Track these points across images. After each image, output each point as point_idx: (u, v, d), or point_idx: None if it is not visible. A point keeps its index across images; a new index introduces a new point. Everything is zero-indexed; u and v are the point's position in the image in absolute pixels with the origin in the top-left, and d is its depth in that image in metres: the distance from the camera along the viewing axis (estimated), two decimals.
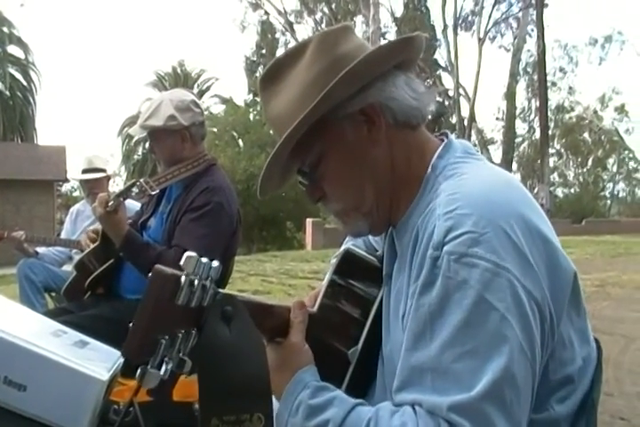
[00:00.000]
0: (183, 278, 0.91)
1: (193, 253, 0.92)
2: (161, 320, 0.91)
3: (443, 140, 1.18)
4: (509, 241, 0.95)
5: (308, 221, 18.82)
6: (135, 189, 2.47)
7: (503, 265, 0.93)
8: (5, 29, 31.42)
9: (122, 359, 1.27)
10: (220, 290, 0.98)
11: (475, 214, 0.97)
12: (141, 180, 2.52)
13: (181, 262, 0.91)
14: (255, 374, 0.98)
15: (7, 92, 31.27)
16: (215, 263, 0.95)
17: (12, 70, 31.94)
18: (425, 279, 0.98)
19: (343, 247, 1.40)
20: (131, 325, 0.92)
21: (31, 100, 33.19)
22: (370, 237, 1.44)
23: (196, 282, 0.92)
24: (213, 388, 0.94)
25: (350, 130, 1.13)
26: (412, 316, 0.99)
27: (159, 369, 0.90)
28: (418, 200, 1.12)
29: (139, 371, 0.89)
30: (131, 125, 34.95)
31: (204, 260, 0.93)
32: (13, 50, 32.17)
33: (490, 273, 0.93)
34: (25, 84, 33.01)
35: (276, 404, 1.09)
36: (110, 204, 2.42)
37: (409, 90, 1.14)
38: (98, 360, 1.19)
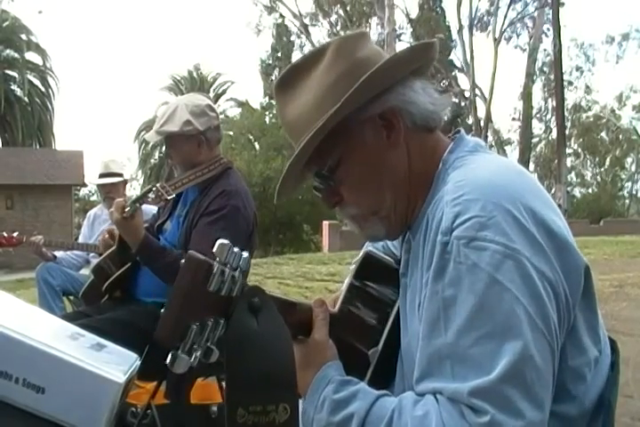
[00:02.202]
0: (215, 265, 0.92)
1: (226, 241, 0.94)
2: (193, 305, 0.92)
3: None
4: (517, 223, 0.96)
5: (325, 223, 18.82)
6: (151, 195, 2.48)
7: (513, 246, 0.94)
8: (24, 36, 31.71)
9: (138, 362, 1.28)
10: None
11: (482, 199, 0.97)
12: (157, 185, 2.53)
13: (214, 249, 0.93)
14: (281, 365, 0.99)
15: (26, 98, 31.53)
16: (245, 254, 0.97)
17: (30, 76, 32.18)
18: (436, 266, 0.98)
19: (363, 250, 1.41)
20: (162, 310, 0.94)
21: (49, 106, 33.44)
22: (388, 241, 1.45)
23: (226, 271, 0.93)
24: (240, 378, 0.95)
25: (370, 134, 1.14)
26: (426, 304, 0.99)
27: (189, 355, 0.91)
28: (431, 196, 1.12)
29: (169, 356, 0.91)
30: (147, 130, 35.13)
31: (236, 249, 0.95)
32: (32, 56, 32.47)
33: (500, 255, 0.93)
34: (43, 89, 33.27)
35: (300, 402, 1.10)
36: (127, 210, 2.43)
37: (425, 94, 1.16)
38: (114, 363, 1.20)
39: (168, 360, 0.91)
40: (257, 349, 0.96)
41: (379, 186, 1.15)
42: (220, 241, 0.94)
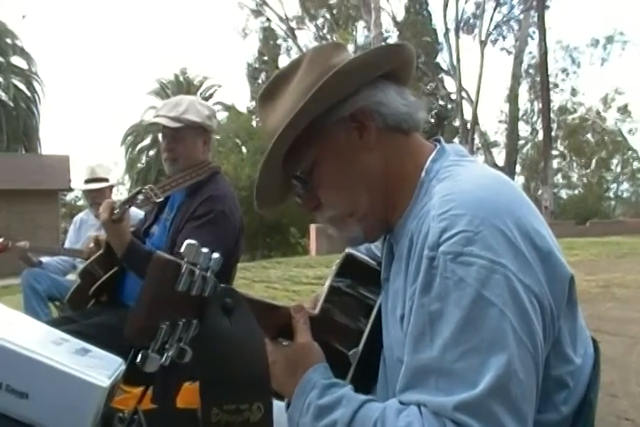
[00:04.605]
0: (184, 265, 0.92)
1: (193, 241, 0.93)
2: (161, 304, 0.92)
3: (436, 146, 1.20)
4: (504, 238, 0.96)
5: (312, 226, 18.77)
6: (140, 197, 2.46)
7: (499, 261, 0.94)
8: (9, 41, 31.55)
9: (124, 366, 1.28)
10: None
11: (468, 214, 0.98)
12: (146, 187, 2.51)
13: (182, 250, 0.93)
14: (254, 364, 0.99)
15: (11, 103, 31.34)
16: (215, 255, 0.97)
17: (15, 81, 32.01)
18: (423, 281, 0.98)
19: (345, 251, 1.42)
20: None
21: (35, 111, 33.26)
22: (371, 244, 1.45)
23: (196, 271, 0.93)
24: (213, 377, 0.96)
25: (342, 135, 1.15)
26: (412, 317, 0.99)
27: (160, 355, 0.92)
28: (413, 204, 1.13)
29: (139, 355, 0.91)
30: (134, 134, 35.08)
31: (205, 250, 0.95)
32: (17, 61, 32.28)
33: (486, 270, 0.94)
34: (28, 94, 33.10)
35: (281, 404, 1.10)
36: (116, 212, 2.42)
37: (399, 97, 1.17)
38: (99, 367, 1.20)
39: (138, 359, 0.91)
40: (230, 349, 0.97)
41: (354, 187, 1.16)
42: (187, 241, 0.94)
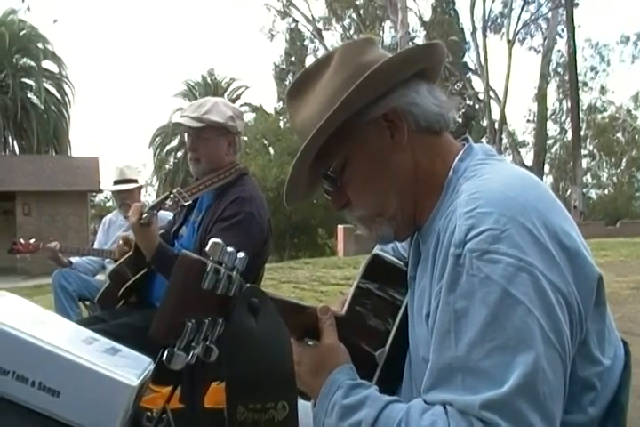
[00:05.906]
0: (209, 264, 0.94)
1: (219, 240, 0.94)
2: (187, 302, 0.94)
3: (464, 145, 1.20)
4: (531, 236, 0.96)
5: (340, 227, 18.77)
6: (169, 201, 2.48)
7: (526, 259, 0.94)
8: (40, 45, 32.00)
9: (152, 366, 1.30)
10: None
11: (495, 212, 0.97)
12: (174, 191, 2.53)
13: (207, 249, 0.94)
14: (280, 363, 1.00)
15: (42, 106, 31.76)
16: (241, 254, 0.98)
17: (46, 84, 32.44)
18: (448, 278, 0.98)
19: (372, 252, 1.42)
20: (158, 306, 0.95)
21: (65, 113, 33.68)
22: (398, 244, 1.45)
23: (221, 270, 0.94)
24: (239, 376, 0.97)
25: (374, 135, 1.15)
26: (438, 316, 0.99)
27: (186, 353, 0.93)
28: (441, 202, 1.13)
29: (166, 353, 0.92)
30: (161, 136, 35.36)
31: (230, 249, 0.96)
32: (48, 64, 32.76)
33: (513, 268, 0.93)
34: (59, 97, 33.52)
35: (306, 404, 1.11)
36: (144, 216, 2.44)
37: (431, 97, 1.16)
38: (128, 367, 1.22)
39: (164, 357, 0.92)
40: (256, 347, 0.98)
41: (384, 187, 1.16)
42: (212, 240, 0.95)
